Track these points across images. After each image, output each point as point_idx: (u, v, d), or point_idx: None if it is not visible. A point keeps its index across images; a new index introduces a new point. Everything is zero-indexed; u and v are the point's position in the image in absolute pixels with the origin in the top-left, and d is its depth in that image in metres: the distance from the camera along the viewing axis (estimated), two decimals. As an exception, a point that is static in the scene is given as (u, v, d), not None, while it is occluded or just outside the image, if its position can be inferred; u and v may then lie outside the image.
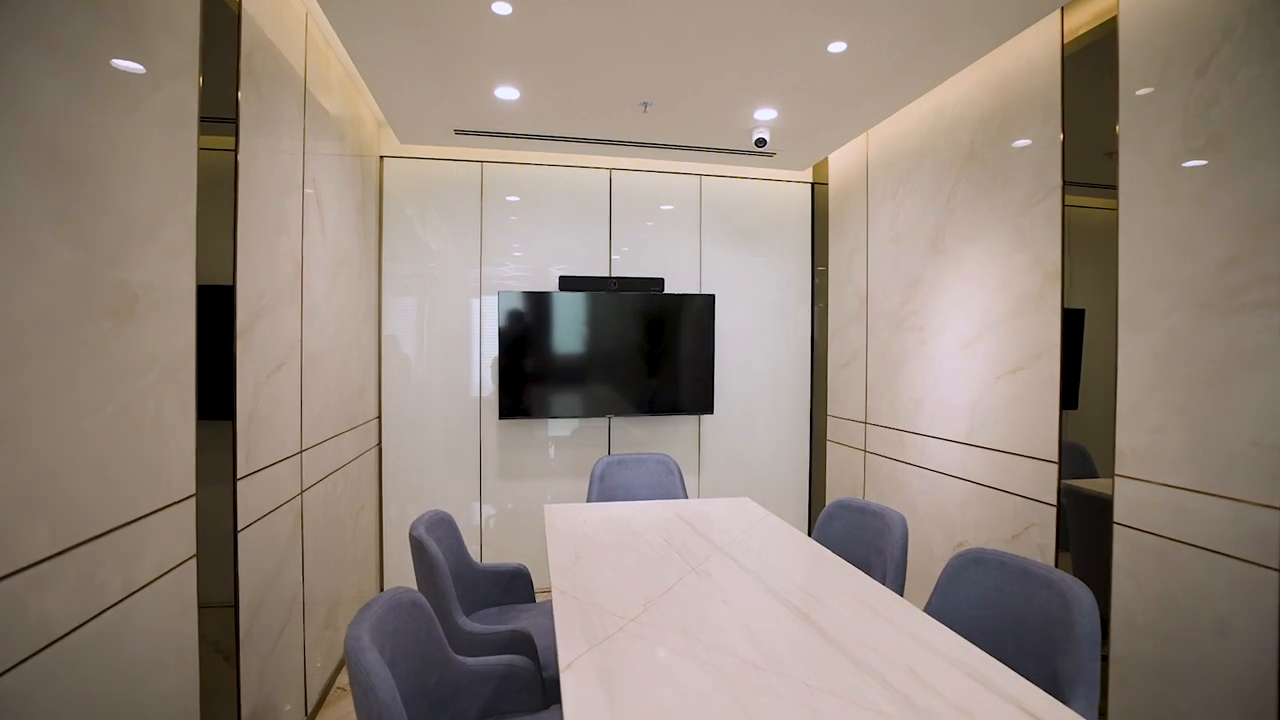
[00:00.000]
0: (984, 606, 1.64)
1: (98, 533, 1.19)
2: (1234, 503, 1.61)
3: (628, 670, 1.24)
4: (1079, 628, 1.37)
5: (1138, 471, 1.85)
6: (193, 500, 1.53)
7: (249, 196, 1.83)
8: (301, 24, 2.26)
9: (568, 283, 3.73)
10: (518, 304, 3.60)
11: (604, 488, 2.88)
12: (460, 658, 1.57)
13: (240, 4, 1.77)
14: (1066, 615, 1.42)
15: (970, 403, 2.62)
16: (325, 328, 2.57)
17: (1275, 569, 1.52)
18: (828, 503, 3.87)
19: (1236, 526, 1.60)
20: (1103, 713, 1.89)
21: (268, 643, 2.00)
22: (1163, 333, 1.80)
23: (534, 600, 2.38)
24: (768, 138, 3.23)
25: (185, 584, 1.50)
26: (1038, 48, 2.28)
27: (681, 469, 3.08)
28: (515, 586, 2.33)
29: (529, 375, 3.62)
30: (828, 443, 3.90)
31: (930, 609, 1.70)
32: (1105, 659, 1.90)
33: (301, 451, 2.27)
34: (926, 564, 2.87)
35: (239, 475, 1.78)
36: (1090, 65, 2.09)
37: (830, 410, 3.86)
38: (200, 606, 1.56)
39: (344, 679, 2.74)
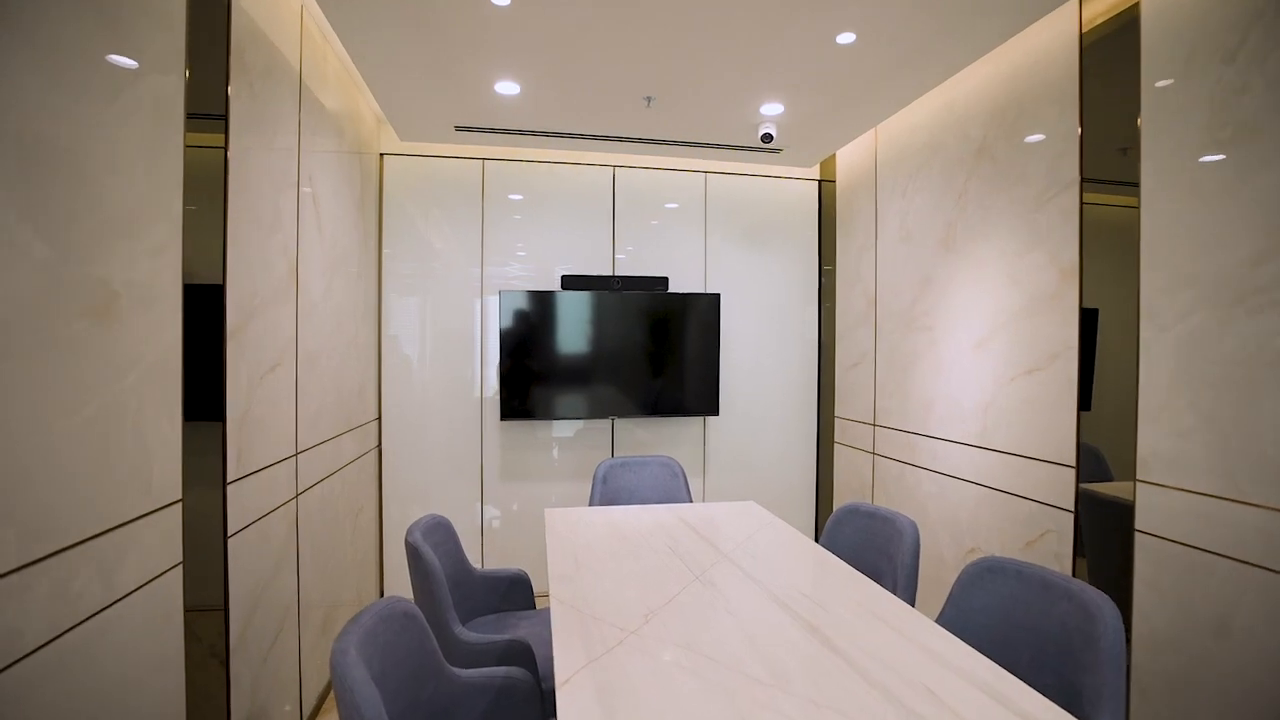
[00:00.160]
0: (999, 617, 1.57)
1: (73, 541, 1.14)
2: (1265, 510, 1.53)
3: (627, 686, 1.18)
4: (1102, 643, 1.30)
5: (1161, 477, 1.78)
6: (179, 506, 1.48)
7: (240, 194, 1.79)
8: (296, 16, 2.22)
9: (571, 282, 3.67)
10: (520, 303, 3.55)
11: (607, 491, 2.83)
12: (455, 670, 1.51)
13: (231, -5, 1.73)
14: (1089, 629, 1.35)
15: (983, 404, 2.55)
16: (323, 327, 2.52)
17: (1308, 581, 1.45)
18: (835, 506, 3.81)
19: (1267, 535, 1.53)
20: (1123, 727, 1.81)
21: (261, 649, 1.96)
22: (1187, 332, 1.72)
23: (534, 607, 2.32)
24: (774, 133, 3.17)
25: (170, 592, 1.45)
26: (1054, 38, 2.20)
27: (686, 471, 3.02)
28: (514, 593, 2.28)
29: (532, 376, 3.57)
30: (835, 445, 3.83)
31: (943, 619, 1.64)
32: (1126, 671, 1.83)
33: (297, 454, 2.22)
34: (937, 569, 2.80)
35: (229, 479, 1.73)
36: (1110, 55, 2.01)
37: (838, 412, 3.79)
38: (187, 613, 1.51)
39: (342, 685, 2.69)
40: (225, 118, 1.71)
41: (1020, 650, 1.49)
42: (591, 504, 2.77)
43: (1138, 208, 1.86)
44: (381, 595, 3.58)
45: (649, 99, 2.88)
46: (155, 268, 1.38)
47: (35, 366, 1.06)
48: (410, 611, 1.42)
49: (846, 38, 2.29)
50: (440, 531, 2.08)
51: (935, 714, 1.10)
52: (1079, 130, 2.10)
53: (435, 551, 1.94)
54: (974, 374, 2.61)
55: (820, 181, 4.05)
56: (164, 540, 1.42)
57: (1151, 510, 1.80)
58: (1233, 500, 1.60)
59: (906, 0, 2.05)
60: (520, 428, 3.72)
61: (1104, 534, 2.03)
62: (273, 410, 2.02)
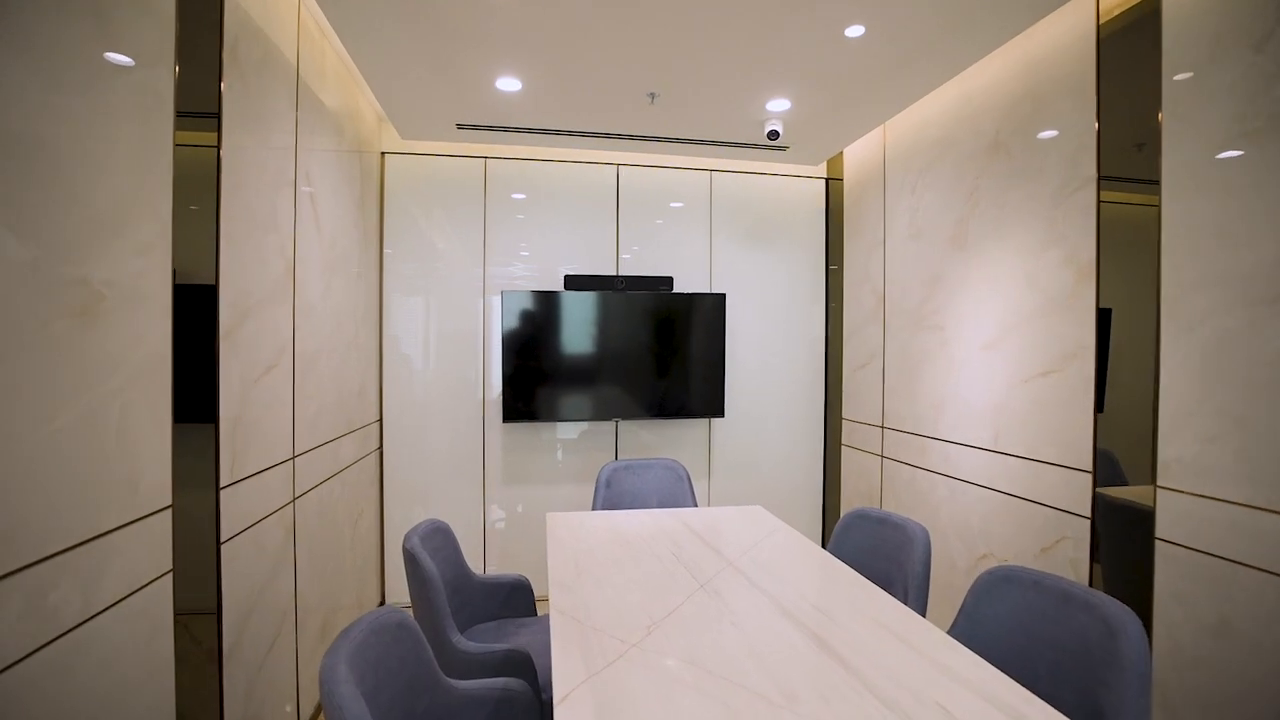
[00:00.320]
0: (1015, 629, 1.51)
1: (52, 552, 1.10)
2: (1295, 520, 1.47)
3: (628, 703, 1.13)
4: (1125, 660, 1.24)
5: (1184, 483, 1.71)
6: (169, 512, 1.44)
7: (235, 192, 1.74)
8: (293, 11, 2.17)
9: (574, 282, 3.62)
10: (523, 304, 3.50)
11: (610, 494, 2.78)
12: (452, 681, 1.47)
13: (223, -13, 1.69)
14: (1110, 644, 1.29)
15: (995, 406, 2.48)
16: (321, 328, 2.48)
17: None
18: (843, 510, 3.75)
19: (1297, 546, 1.46)
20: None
21: (257, 656, 1.92)
22: (1212, 333, 1.65)
23: (535, 613, 2.28)
24: (780, 130, 3.11)
25: (160, 601, 1.41)
26: (1071, 29, 2.14)
27: (690, 474, 2.97)
28: (515, 599, 2.23)
29: (535, 377, 3.52)
30: (842, 447, 3.76)
31: (955, 630, 1.58)
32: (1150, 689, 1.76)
33: (294, 457, 2.18)
34: (948, 576, 2.73)
35: (222, 484, 1.69)
36: (1128, 47, 1.95)
37: (845, 414, 3.73)
38: (179, 621, 1.47)
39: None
40: (218, 114, 1.67)
41: (1038, 663, 1.43)
42: (595, 507, 2.72)
43: (1156, 205, 1.79)
44: (383, 600, 3.54)
45: (653, 95, 2.83)
46: (142, 267, 1.34)
47: (13, 370, 1.01)
48: (404, 622, 1.37)
49: (856, 30, 2.23)
50: (439, 537, 2.03)
51: (952, 736, 1.05)
52: (1095, 126, 2.03)
53: (434, 557, 1.90)
54: (985, 375, 2.54)
55: (827, 180, 3.99)
56: (152, 548, 1.38)
57: (1173, 517, 1.74)
58: (1264, 509, 1.53)
59: (918, -9, 2.00)
60: (523, 430, 3.67)
61: (1121, 541, 1.97)
62: (268, 412, 1.98)
